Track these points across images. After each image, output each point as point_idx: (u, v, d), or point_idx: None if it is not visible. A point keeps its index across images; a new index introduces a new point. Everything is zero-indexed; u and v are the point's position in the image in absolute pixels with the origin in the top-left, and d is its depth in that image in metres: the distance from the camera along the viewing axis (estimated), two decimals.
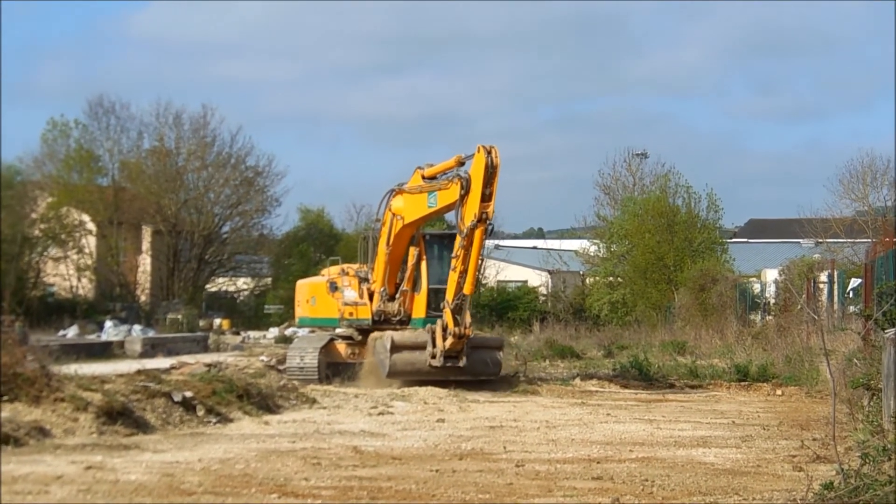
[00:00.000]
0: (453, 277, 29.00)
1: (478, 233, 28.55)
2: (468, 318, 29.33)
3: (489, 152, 28.20)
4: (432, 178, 30.42)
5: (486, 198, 28.30)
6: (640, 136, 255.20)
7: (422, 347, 29.59)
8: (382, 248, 32.08)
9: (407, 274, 32.23)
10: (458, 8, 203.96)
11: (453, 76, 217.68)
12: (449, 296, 29.16)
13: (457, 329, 28.94)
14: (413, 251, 32.20)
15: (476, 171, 28.34)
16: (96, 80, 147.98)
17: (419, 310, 32.04)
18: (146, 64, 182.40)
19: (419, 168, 30.94)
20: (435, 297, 31.48)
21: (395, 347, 29.80)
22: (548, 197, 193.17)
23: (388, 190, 31.91)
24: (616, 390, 31.38)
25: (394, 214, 31.53)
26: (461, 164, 29.26)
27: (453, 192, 29.00)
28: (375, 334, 31.34)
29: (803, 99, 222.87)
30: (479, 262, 30.13)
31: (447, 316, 29.10)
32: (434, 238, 33.16)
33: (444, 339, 29.18)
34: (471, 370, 29.96)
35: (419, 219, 31.38)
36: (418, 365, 29.60)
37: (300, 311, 35.27)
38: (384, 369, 29.72)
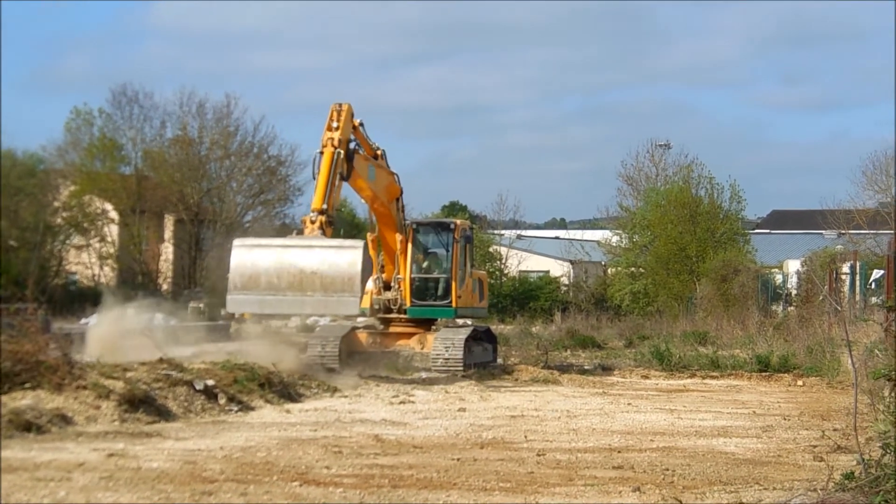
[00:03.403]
0: None
1: (323, 156, 28.70)
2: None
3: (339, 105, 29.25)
4: None
5: (330, 129, 28.84)
6: (664, 126, 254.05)
7: None
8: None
9: (399, 262, 32.14)
10: None
11: (482, 66, 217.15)
12: None
13: None
14: (399, 238, 32.09)
15: None
16: (120, 70, 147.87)
17: (406, 298, 32.13)
18: (171, 53, 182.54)
19: None
20: (417, 287, 31.79)
21: None
22: (571, 187, 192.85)
23: None
24: (637, 380, 31.41)
25: None
26: None
27: None
28: None
29: (829, 89, 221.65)
30: (332, 182, 28.87)
31: None
32: (420, 226, 33.35)
33: None
34: None
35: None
36: None
37: None
38: None
